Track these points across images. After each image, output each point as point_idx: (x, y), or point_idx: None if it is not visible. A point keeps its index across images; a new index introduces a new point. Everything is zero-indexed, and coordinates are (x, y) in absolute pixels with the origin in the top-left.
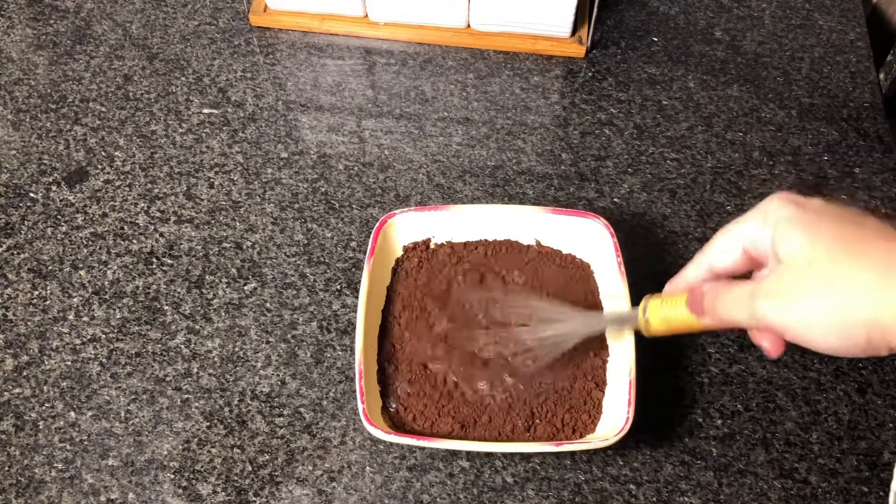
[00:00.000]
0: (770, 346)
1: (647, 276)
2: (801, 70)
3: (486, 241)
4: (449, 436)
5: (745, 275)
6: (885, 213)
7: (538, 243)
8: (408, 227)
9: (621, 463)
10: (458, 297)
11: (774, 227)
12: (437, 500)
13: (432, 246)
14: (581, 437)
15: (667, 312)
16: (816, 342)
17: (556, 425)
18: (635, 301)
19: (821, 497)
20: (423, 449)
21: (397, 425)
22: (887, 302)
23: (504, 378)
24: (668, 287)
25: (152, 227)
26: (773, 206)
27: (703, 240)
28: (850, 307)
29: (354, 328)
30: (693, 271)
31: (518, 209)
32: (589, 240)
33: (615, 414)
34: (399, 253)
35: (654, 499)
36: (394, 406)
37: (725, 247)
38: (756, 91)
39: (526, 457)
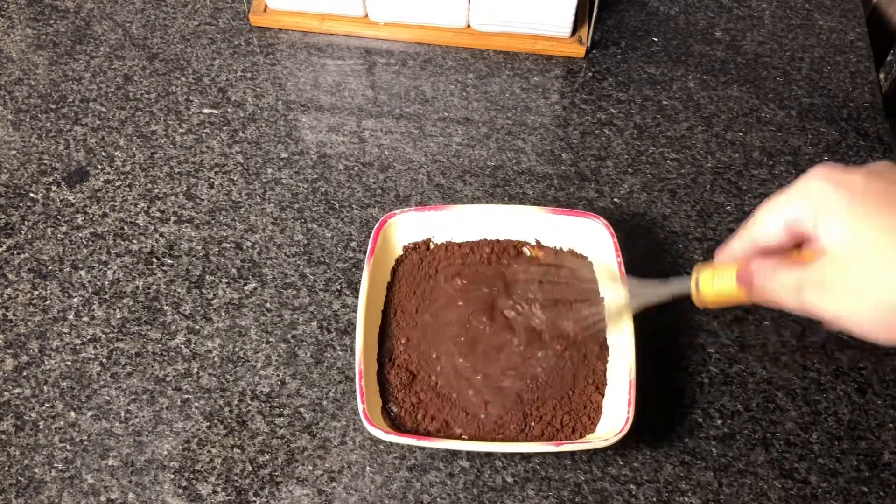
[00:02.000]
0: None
1: (647, 276)
2: (801, 70)
3: (486, 241)
4: (449, 436)
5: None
6: None
7: (538, 243)
8: (408, 227)
9: (621, 463)
10: (459, 297)
11: (816, 211)
12: (437, 500)
13: (432, 246)
14: (581, 437)
15: (718, 284)
16: (868, 333)
17: (556, 425)
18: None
19: (821, 497)
20: (423, 449)
21: (397, 425)
22: None
23: (505, 377)
24: (718, 257)
25: (152, 227)
26: (815, 184)
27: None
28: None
29: (354, 328)
30: (738, 245)
31: (518, 209)
32: (589, 240)
33: (615, 414)
34: (399, 253)
35: (654, 499)
36: (394, 406)
37: (768, 222)
38: (756, 91)
39: (526, 457)
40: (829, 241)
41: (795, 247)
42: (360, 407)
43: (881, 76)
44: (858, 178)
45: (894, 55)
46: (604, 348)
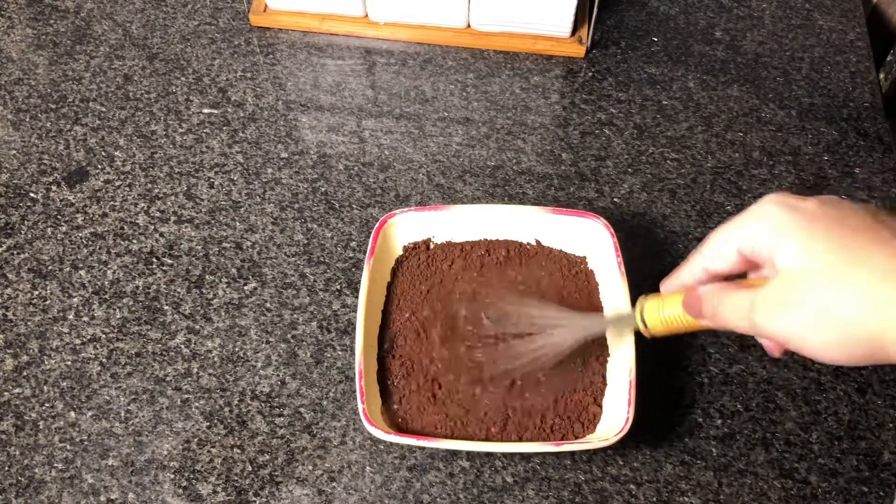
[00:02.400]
0: (772, 346)
1: (646, 276)
2: (801, 70)
3: (486, 240)
4: (449, 436)
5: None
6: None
7: (538, 243)
8: (408, 227)
9: (621, 463)
10: (459, 297)
11: (770, 233)
12: (437, 500)
13: (432, 246)
14: (581, 437)
15: (664, 313)
16: (818, 354)
17: (557, 425)
18: (635, 301)
19: (821, 497)
20: (423, 449)
21: (397, 425)
22: (884, 317)
23: (504, 378)
24: (664, 287)
25: (152, 227)
26: (768, 210)
27: (704, 240)
28: (848, 322)
29: (354, 328)
30: (688, 272)
31: (518, 209)
32: (589, 240)
33: (615, 414)
34: (399, 253)
35: (654, 499)
36: (394, 406)
37: (720, 249)
38: (756, 91)
39: (526, 457)
40: (784, 261)
41: (740, 276)
42: (360, 407)
43: (881, 76)
44: (812, 204)
45: (894, 55)
46: (603, 348)
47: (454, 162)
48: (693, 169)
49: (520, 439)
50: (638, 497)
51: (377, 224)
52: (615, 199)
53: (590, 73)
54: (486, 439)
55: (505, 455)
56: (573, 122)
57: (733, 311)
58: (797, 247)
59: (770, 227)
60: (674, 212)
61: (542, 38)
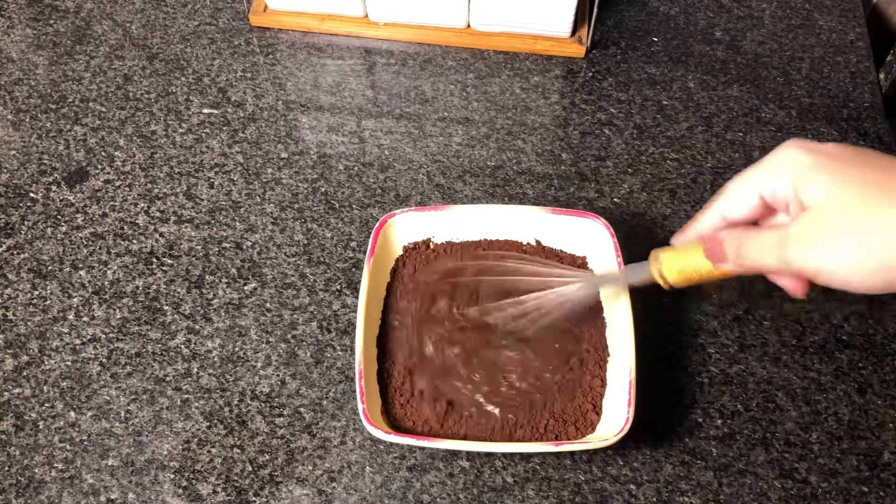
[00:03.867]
0: (795, 287)
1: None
2: (801, 70)
3: (487, 241)
4: (449, 436)
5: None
6: None
7: (538, 243)
8: (408, 227)
9: (621, 463)
10: (458, 297)
11: (795, 174)
12: (437, 500)
13: (432, 246)
14: (581, 436)
15: (683, 263)
16: (853, 284)
17: (556, 425)
18: (635, 299)
19: (821, 497)
20: (423, 449)
21: (397, 425)
22: None
23: (504, 377)
24: (677, 239)
25: (152, 227)
26: (789, 153)
27: (719, 191)
28: (888, 248)
29: (354, 328)
30: (706, 220)
31: (518, 209)
32: (589, 240)
33: (615, 414)
34: (399, 253)
35: (654, 499)
36: (394, 406)
37: (741, 195)
38: (756, 91)
39: (526, 457)
40: (814, 196)
41: (755, 224)
42: (360, 407)
43: (881, 76)
44: (832, 146)
45: (894, 55)
46: (604, 348)
47: (454, 162)
48: (693, 169)
49: (520, 438)
50: (638, 497)
51: (377, 224)
52: (615, 199)
53: (590, 73)
54: (486, 439)
55: (505, 455)
56: (573, 122)
57: (761, 249)
58: (825, 183)
59: (793, 170)
60: (674, 212)
61: (542, 38)
